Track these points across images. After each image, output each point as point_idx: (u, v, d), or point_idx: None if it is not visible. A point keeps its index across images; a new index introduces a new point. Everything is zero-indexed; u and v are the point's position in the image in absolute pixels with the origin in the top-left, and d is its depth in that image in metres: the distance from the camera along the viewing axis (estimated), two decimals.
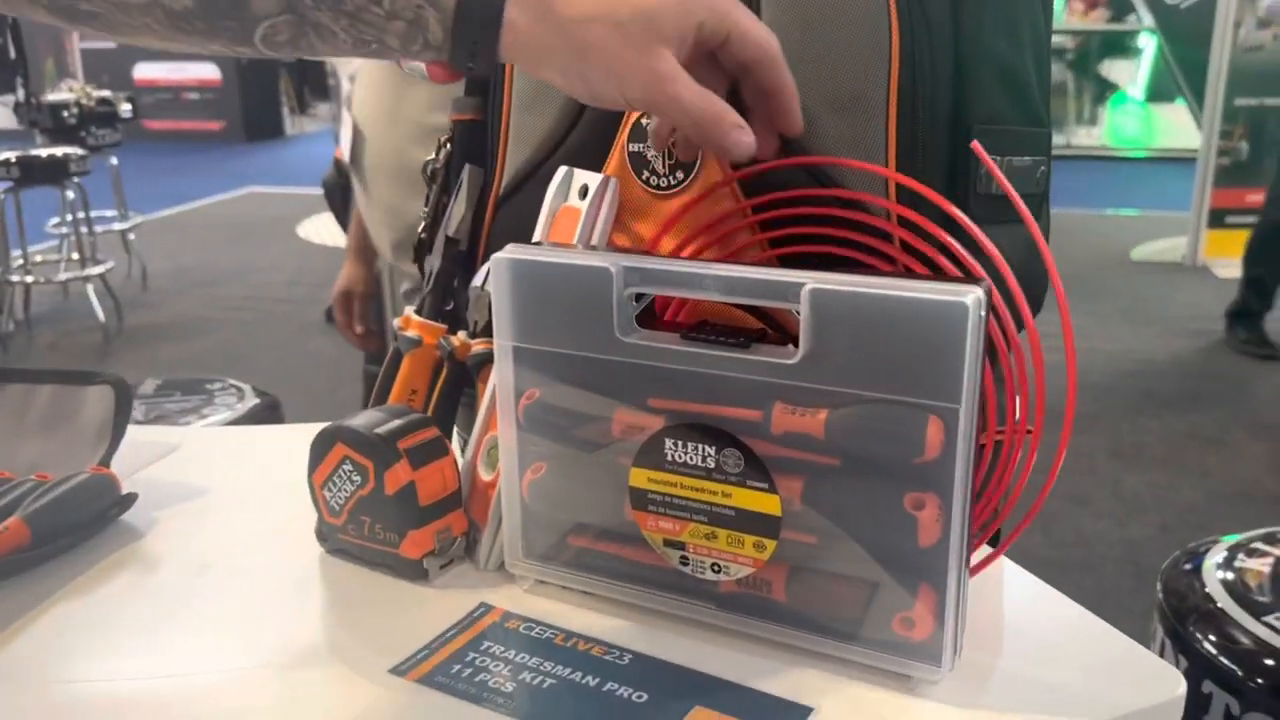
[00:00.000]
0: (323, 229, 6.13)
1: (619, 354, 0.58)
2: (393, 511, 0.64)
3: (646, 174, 0.67)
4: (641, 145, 0.67)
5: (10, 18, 4.63)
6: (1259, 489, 2.94)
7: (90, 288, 4.53)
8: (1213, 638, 0.98)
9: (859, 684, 0.55)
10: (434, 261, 0.77)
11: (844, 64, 0.61)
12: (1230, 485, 2.96)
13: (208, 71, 10.24)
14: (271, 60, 8.93)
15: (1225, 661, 0.95)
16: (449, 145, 0.78)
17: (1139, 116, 8.70)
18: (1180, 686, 0.56)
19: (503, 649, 0.59)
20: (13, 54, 4.65)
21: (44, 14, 0.49)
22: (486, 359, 0.70)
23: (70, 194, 4.57)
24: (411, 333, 0.75)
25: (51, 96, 5.04)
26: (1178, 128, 8.01)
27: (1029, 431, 0.56)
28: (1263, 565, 1.07)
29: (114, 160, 5.15)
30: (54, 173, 4.43)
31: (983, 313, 0.50)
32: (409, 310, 0.77)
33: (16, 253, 4.58)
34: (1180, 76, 6.89)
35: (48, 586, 0.67)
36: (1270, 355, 3.95)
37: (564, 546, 0.63)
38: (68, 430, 0.80)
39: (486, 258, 0.73)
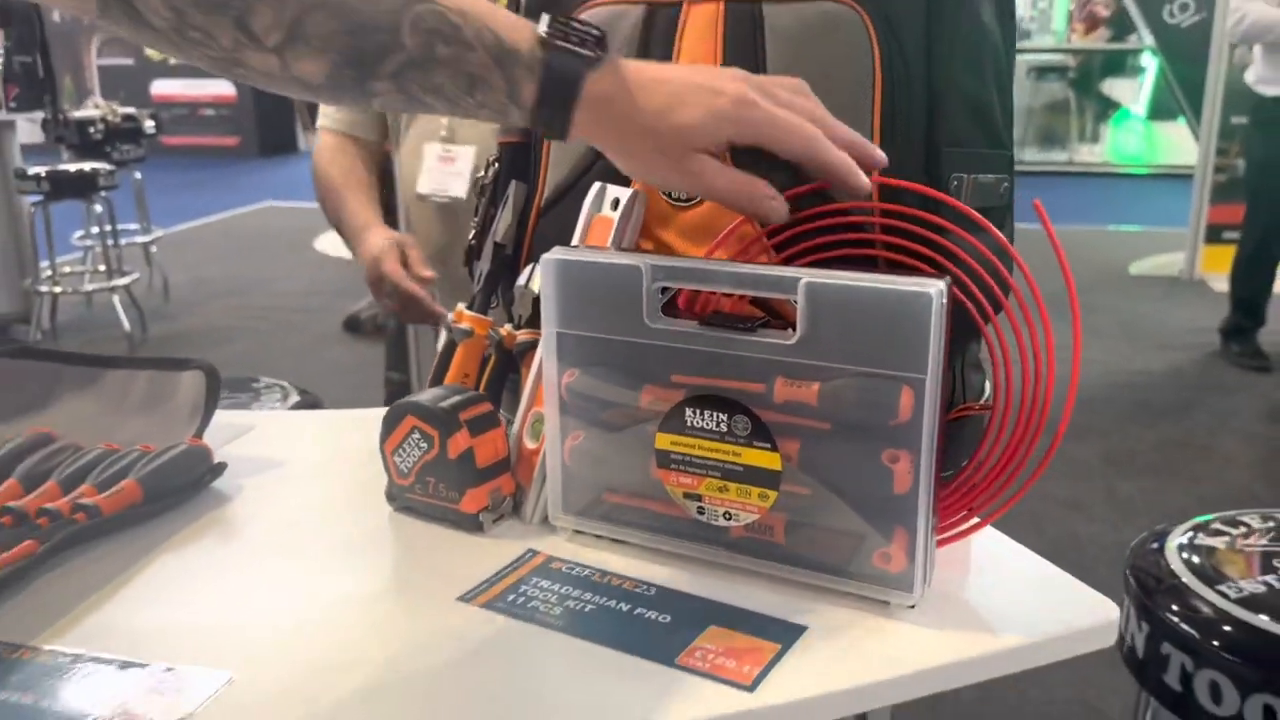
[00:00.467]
0: (338, 242, 6.20)
1: (647, 338, 0.69)
2: (454, 473, 0.76)
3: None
4: None
5: (40, 35, 4.77)
6: (1248, 495, 3.03)
7: (116, 298, 4.67)
8: (1174, 606, 1.09)
9: (845, 609, 0.67)
10: (483, 264, 0.89)
11: (837, 95, 0.72)
12: (1221, 492, 3.05)
13: (224, 88, 10.40)
14: None
15: (1184, 627, 1.06)
16: (496, 164, 0.90)
17: (1141, 134, 8.81)
18: (1114, 613, 0.68)
19: (549, 583, 0.70)
20: (41, 72, 4.77)
21: (207, 63, 0.60)
22: (529, 347, 0.82)
23: (98, 208, 4.71)
24: (464, 325, 0.87)
25: (78, 113, 5.17)
26: (1179, 145, 8.11)
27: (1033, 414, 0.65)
28: (1219, 543, 1.18)
29: (138, 175, 5.29)
30: (83, 187, 4.57)
31: (944, 301, 0.62)
32: (460, 306, 0.89)
33: (45, 264, 4.72)
34: (1180, 94, 6.99)
35: (157, 537, 0.78)
36: (1264, 367, 4.03)
37: (599, 502, 0.75)
38: (165, 409, 0.92)
39: (529, 261, 0.85)
